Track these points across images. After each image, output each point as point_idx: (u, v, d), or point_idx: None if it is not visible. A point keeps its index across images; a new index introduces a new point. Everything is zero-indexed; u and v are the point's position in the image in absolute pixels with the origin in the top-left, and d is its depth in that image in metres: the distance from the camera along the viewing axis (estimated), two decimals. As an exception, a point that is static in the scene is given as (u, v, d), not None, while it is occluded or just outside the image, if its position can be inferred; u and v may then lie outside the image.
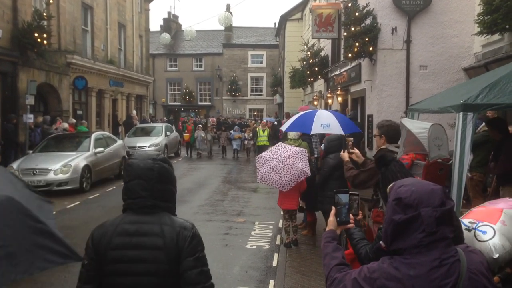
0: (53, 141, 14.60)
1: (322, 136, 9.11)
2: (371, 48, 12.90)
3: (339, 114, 8.90)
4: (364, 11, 13.20)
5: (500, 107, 5.23)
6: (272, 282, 6.41)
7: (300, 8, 31.84)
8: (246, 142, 24.06)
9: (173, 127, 26.45)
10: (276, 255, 7.56)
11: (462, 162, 5.23)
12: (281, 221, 9.18)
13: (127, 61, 27.41)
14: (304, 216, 8.97)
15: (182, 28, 46.94)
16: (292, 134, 8.79)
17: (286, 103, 33.85)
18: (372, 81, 13.72)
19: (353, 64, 15.32)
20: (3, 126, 14.76)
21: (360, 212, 2.72)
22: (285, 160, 7.44)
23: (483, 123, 7.87)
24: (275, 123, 26.10)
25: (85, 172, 13.31)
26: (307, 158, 7.67)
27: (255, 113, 44.15)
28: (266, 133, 21.20)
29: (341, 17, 16.97)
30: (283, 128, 9.57)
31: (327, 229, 2.46)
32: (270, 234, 8.94)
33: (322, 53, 21.88)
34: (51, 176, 12.57)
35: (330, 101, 19.82)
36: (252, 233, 8.99)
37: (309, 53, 22.20)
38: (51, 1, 17.69)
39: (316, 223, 8.59)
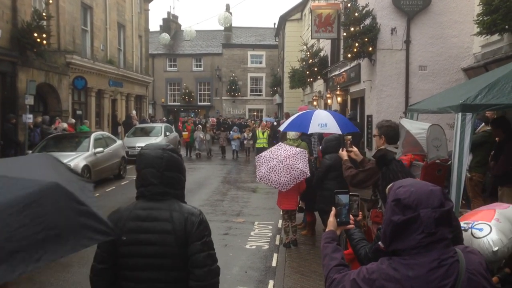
0: (52, 141, 14.59)
1: (321, 136, 9.13)
2: (370, 49, 12.91)
3: (337, 114, 8.92)
4: (364, 11, 13.21)
5: (499, 107, 5.23)
6: (271, 282, 6.41)
7: (299, 8, 31.85)
8: (245, 142, 24.03)
9: (173, 127, 26.46)
10: (275, 255, 7.56)
11: (461, 163, 5.24)
12: (280, 221, 9.19)
13: (127, 61, 27.41)
14: (303, 216, 8.98)
15: (182, 28, 46.93)
16: (291, 134, 8.80)
17: (286, 103, 33.86)
18: (371, 81, 13.73)
19: (353, 64, 15.33)
20: (3, 126, 14.75)
21: (360, 212, 2.72)
22: (285, 160, 7.44)
23: (483, 124, 7.89)
24: (275, 123, 26.12)
25: (85, 172, 13.30)
26: (307, 158, 7.68)
27: (255, 113, 44.15)
28: (265, 135, 21.09)
29: (341, 18, 16.99)
30: (281, 128, 9.59)
31: (326, 230, 2.46)
32: (270, 234, 8.94)
33: (322, 53, 21.89)
34: (50, 176, 12.52)
35: (329, 101, 19.83)
36: (252, 233, 9.00)
37: (308, 53, 22.21)
38: (50, 1, 17.68)
39: (316, 223, 8.59)
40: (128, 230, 2.49)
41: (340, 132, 7.40)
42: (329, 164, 7.15)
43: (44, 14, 16.38)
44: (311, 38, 21.26)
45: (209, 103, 45.44)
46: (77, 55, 20.33)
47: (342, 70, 17.70)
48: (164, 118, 38.25)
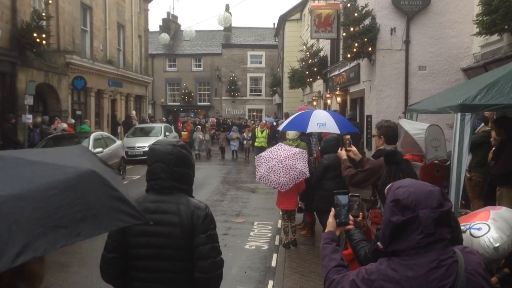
0: (52, 141, 14.56)
1: (320, 136, 9.13)
2: (370, 49, 12.91)
3: (337, 114, 8.93)
4: (363, 11, 13.21)
5: (498, 107, 5.23)
6: (271, 283, 6.41)
7: (299, 8, 31.86)
8: (245, 142, 24.01)
9: (172, 127, 26.44)
10: (275, 255, 7.56)
11: (461, 163, 5.24)
12: (280, 221, 9.19)
13: (126, 61, 27.41)
14: (303, 216, 8.98)
15: (181, 28, 46.92)
16: (291, 134, 8.81)
17: (285, 103, 33.86)
18: (371, 81, 13.73)
19: (352, 64, 15.33)
20: (2, 126, 14.75)
21: (360, 213, 2.72)
22: (285, 161, 7.44)
23: (482, 124, 7.88)
24: (274, 123, 26.10)
25: (84, 172, 13.27)
26: (306, 159, 7.69)
27: (254, 113, 44.15)
28: (264, 134, 21.11)
29: (340, 18, 16.99)
30: (280, 127, 9.61)
31: (326, 230, 2.46)
32: (269, 235, 8.94)
33: (321, 54, 21.89)
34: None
35: (329, 101, 19.83)
36: (251, 233, 9.00)
37: (308, 53, 22.22)
38: (50, 1, 17.67)
39: (315, 224, 8.59)
40: None
41: (338, 132, 7.40)
42: (327, 164, 7.17)
43: (43, 14, 16.37)
44: (311, 38, 21.26)
45: (209, 103, 45.44)
46: (77, 55, 20.33)
47: (342, 70, 17.70)
48: (163, 118, 38.22)
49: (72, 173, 1.30)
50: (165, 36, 34.30)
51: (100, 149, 14.48)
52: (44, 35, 15.92)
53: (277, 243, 8.30)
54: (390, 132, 4.65)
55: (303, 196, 8.28)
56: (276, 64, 42.19)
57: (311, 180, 7.72)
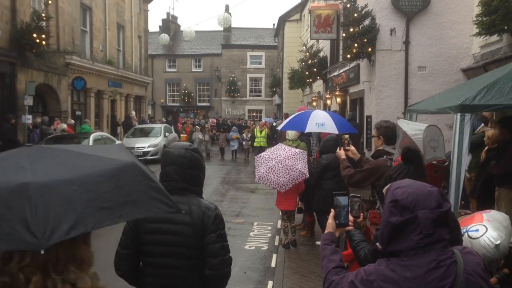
0: (52, 141, 14.56)
1: (320, 137, 9.13)
2: (369, 49, 12.91)
3: (336, 114, 8.92)
4: (363, 12, 13.21)
5: (498, 108, 5.23)
6: (270, 283, 6.41)
7: (299, 9, 31.86)
8: (244, 143, 24.01)
9: (172, 128, 26.40)
10: (274, 256, 7.56)
11: (460, 163, 5.23)
12: (279, 222, 9.18)
13: (126, 62, 27.40)
14: (302, 217, 8.98)
15: (181, 28, 46.91)
16: (290, 135, 8.80)
17: (285, 103, 33.85)
18: (370, 82, 13.74)
19: (352, 65, 15.33)
20: (2, 127, 14.74)
21: (361, 214, 2.72)
22: (284, 161, 7.44)
23: (482, 124, 7.88)
24: (274, 124, 26.09)
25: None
26: (306, 159, 7.69)
27: (254, 113, 44.14)
28: (263, 133, 21.09)
29: (340, 18, 16.99)
30: (279, 127, 9.62)
31: (326, 231, 2.45)
32: (269, 235, 8.94)
33: (321, 54, 21.89)
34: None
35: (329, 102, 19.83)
36: (251, 234, 9.00)
37: (308, 54, 22.22)
38: (49, 2, 17.67)
39: (315, 224, 8.59)
40: (151, 220, 2.69)
41: (337, 132, 7.40)
42: (325, 164, 7.17)
43: (43, 14, 16.36)
44: (311, 39, 21.26)
45: (209, 104, 45.42)
46: (77, 55, 20.32)
47: (342, 70, 17.70)
48: (163, 118, 38.20)
49: (116, 163, 1.47)
50: (165, 37, 34.32)
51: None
52: (43, 36, 15.91)
53: (276, 243, 8.30)
54: (389, 132, 4.64)
55: (303, 197, 8.28)
56: (276, 64, 42.19)
57: (311, 181, 7.73)
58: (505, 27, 8.82)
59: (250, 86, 44.95)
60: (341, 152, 4.96)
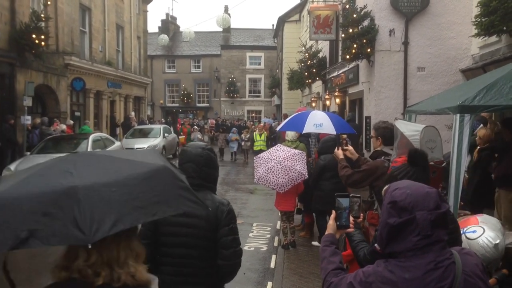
0: (51, 142, 14.56)
1: (319, 138, 9.12)
2: (368, 50, 12.91)
3: (334, 115, 8.92)
4: (362, 12, 13.21)
5: (497, 108, 5.23)
6: (270, 284, 6.41)
7: (298, 9, 31.87)
8: (243, 143, 23.98)
9: (171, 128, 26.37)
10: (274, 256, 7.56)
11: (460, 164, 5.23)
12: (279, 222, 9.18)
13: (125, 63, 27.39)
14: (302, 217, 8.97)
15: (180, 29, 46.94)
16: (290, 136, 8.80)
17: (284, 104, 33.85)
18: (370, 82, 13.74)
19: (351, 65, 15.33)
20: (1, 127, 14.74)
21: (361, 214, 2.71)
22: (283, 162, 7.44)
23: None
24: (272, 125, 26.07)
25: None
26: (305, 160, 7.69)
27: (253, 114, 44.14)
28: (263, 137, 21.03)
29: (339, 19, 16.98)
30: (278, 127, 9.62)
31: (326, 233, 2.45)
32: (268, 236, 8.94)
33: (320, 55, 21.89)
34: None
35: (328, 102, 19.83)
36: (250, 234, 9.00)
37: (307, 54, 22.21)
38: (49, 3, 17.66)
39: (314, 225, 8.59)
40: None
41: (335, 133, 7.39)
42: (323, 165, 7.17)
43: (42, 15, 16.36)
44: (310, 40, 21.26)
45: (208, 105, 45.40)
46: (76, 56, 20.30)
47: (341, 71, 17.70)
48: (162, 119, 38.17)
49: (149, 167, 1.66)
50: (164, 37, 34.35)
51: (99, 150, 14.45)
52: (43, 37, 15.90)
53: (276, 244, 8.30)
54: (388, 133, 4.64)
55: (302, 198, 8.27)
56: (275, 65, 42.19)
57: (309, 181, 7.73)
58: (504, 28, 8.82)
59: (249, 87, 44.94)
60: (339, 152, 4.94)
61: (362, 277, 1.85)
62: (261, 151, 18.72)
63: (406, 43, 12.84)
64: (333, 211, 2.46)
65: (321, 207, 7.38)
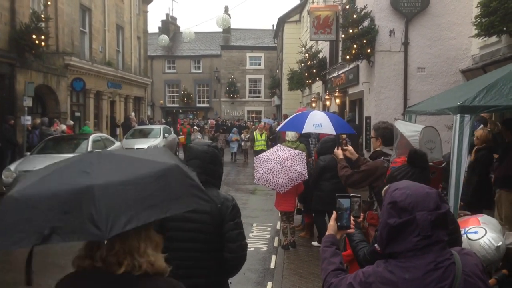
0: (51, 142, 14.55)
1: (319, 138, 9.12)
2: (369, 50, 12.91)
3: (334, 115, 8.92)
4: (362, 13, 13.22)
5: (498, 109, 5.24)
6: (270, 284, 6.40)
7: (298, 10, 31.87)
8: (243, 143, 23.97)
9: (171, 129, 26.35)
10: (274, 257, 7.55)
11: (460, 164, 5.23)
12: (279, 223, 9.18)
13: (125, 63, 27.39)
14: (301, 218, 8.97)
15: (181, 30, 46.96)
16: (290, 136, 8.80)
17: (284, 104, 33.86)
18: (370, 83, 13.74)
19: (351, 66, 15.33)
20: (1, 127, 14.74)
21: (361, 214, 2.71)
22: (283, 162, 7.44)
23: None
24: (272, 125, 26.05)
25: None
26: (305, 161, 7.68)
27: (253, 114, 44.14)
28: (263, 136, 21.04)
29: (339, 19, 16.99)
30: (278, 128, 9.62)
31: (327, 233, 2.44)
32: (268, 236, 8.93)
33: (320, 55, 21.90)
34: (49, 178, 12.47)
35: (328, 103, 19.83)
36: (250, 235, 8.98)
37: (307, 55, 22.22)
38: (49, 3, 17.66)
39: (314, 225, 8.58)
40: None
41: (334, 133, 7.38)
42: (323, 165, 7.17)
43: (42, 16, 16.36)
44: (310, 40, 21.27)
45: (208, 105, 45.40)
46: (76, 56, 20.31)
47: (341, 71, 17.71)
48: (162, 120, 38.17)
49: (162, 166, 1.72)
50: (164, 38, 34.36)
51: (99, 151, 14.42)
52: (43, 37, 15.91)
53: (276, 244, 8.29)
54: (387, 133, 4.64)
55: (302, 198, 8.27)
56: (275, 65, 42.20)
57: (309, 182, 7.73)
58: (504, 28, 8.83)
59: (249, 87, 44.94)
60: (338, 152, 4.92)
61: (362, 277, 1.85)
62: (262, 151, 18.74)
63: (406, 44, 12.85)
64: (334, 212, 2.46)
65: (321, 207, 7.38)
